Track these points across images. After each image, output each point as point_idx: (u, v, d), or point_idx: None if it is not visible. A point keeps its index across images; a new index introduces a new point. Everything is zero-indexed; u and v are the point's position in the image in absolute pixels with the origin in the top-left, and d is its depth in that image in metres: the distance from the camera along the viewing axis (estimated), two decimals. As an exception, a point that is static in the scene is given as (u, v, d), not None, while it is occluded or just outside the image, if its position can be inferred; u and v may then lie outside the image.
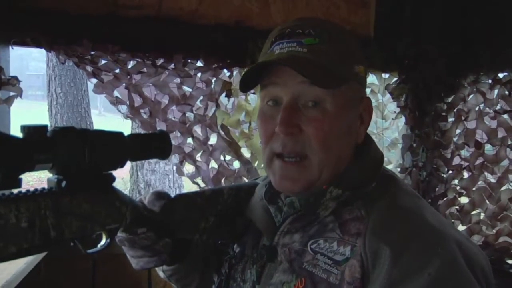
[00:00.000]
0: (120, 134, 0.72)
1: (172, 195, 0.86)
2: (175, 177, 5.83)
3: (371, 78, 2.02)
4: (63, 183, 0.66)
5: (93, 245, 0.73)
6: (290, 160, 0.76)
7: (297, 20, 0.79)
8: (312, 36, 0.75)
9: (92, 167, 0.68)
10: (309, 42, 0.74)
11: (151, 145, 0.77)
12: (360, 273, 0.70)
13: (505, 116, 1.88)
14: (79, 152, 0.65)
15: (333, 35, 0.76)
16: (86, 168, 0.67)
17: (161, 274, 0.96)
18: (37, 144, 0.60)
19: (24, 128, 0.60)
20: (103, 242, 0.74)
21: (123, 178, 7.30)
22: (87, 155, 0.65)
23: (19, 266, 1.50)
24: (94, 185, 0.70)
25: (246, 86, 0.80)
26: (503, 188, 1.95)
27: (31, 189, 0.64)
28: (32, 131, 0.60)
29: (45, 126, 0.62)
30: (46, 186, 0.67)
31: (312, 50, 0.74)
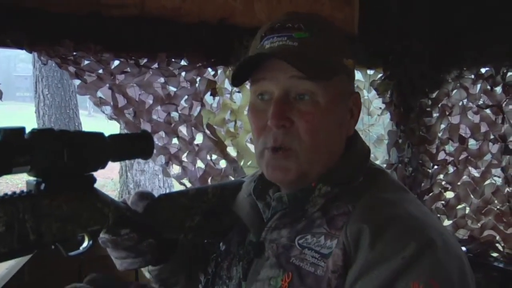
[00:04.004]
0: (100, 134, 0.71)
1: (156, 195, 0.85)
2: (165, 177, 5.80)
3: (356, 75, 2.02)
4: (42, 186, 0.65)
5: (76, 247, 0.73)
6: (281, 150, 0.77)
7: (286, 15, 0.79)
8: (302, 30, 0.75)
9: (72, 169, 0.67)
10: (299, 35, 0.75)
11: (132, 146, 0.77)
12: (343, 260, 0.70)
13: (488, 110, 1.90)
14: (57, 154, 0.64)
15: (323, 28, 0.77)
16: (65, 170, 0.66)
17: (147, 275, 0.96)
18: (14, 147, 0.60)
19: (1, 131, 0.60)
20: (85, 244, 0.73)
21: (112, 178, 7.23)
22: (66, 157, 0.65)
23: (0, 271, 1.47)
24: (75, 187, 0.69)
25: (237, 80, 0.80)
26: (487, 182, 1.97)
27: (9, 192, 0.63)
28: (9, 134, 0.60)
29: (23, 128, 0.62)
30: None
31: (302, 44, 0.75)
